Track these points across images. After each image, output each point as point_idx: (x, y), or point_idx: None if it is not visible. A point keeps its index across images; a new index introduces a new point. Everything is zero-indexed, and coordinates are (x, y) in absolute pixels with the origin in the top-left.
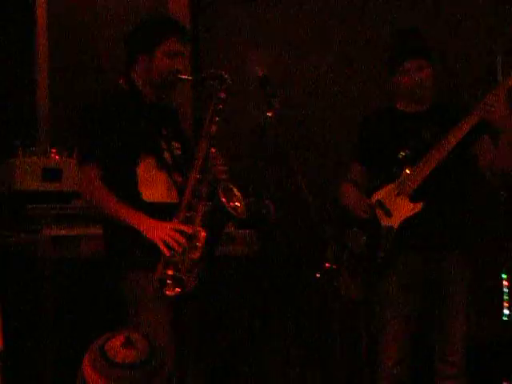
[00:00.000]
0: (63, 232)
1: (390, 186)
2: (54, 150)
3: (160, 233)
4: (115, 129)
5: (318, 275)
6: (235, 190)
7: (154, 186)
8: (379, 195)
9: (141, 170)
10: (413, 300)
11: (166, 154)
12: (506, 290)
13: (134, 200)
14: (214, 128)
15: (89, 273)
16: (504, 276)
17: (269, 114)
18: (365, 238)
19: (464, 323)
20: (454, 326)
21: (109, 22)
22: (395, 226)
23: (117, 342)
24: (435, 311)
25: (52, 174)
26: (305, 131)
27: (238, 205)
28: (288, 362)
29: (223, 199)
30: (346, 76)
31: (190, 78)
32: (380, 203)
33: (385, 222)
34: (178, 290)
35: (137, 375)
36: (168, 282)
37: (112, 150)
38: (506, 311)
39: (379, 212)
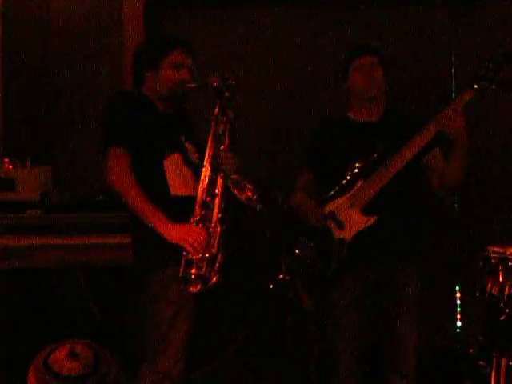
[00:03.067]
0: (17, 242)
1: (343, 199)
2: (6, 160)
3: (180, 234)
4: (141, 121)
5: (271, 286)
6: (246, 182)
7: (180, 181)
8: (331, 207)
9: (167, 164)
10: (365, 312)
11: (190, 154)
12: (458, 302)
13: (163, 194)
14: (221, 126)
15: (41, 283)
16: (457, 288)
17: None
18: (316, 249)
19: (415, 335)
20: (404, 338)
21: (63, 28)
22: (348, 238)
23: (61, 354)
24: (386, 322)
25: (5, 184)
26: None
27: (250, 195)
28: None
29: (235, 191)
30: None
31: (195, 85)
32: (332, 215)
33: (337, 234)
34: (200, 286)
35: None
36: (192, 278)
37: (140, 140)
38: (459, 323)
39: (332, 224)
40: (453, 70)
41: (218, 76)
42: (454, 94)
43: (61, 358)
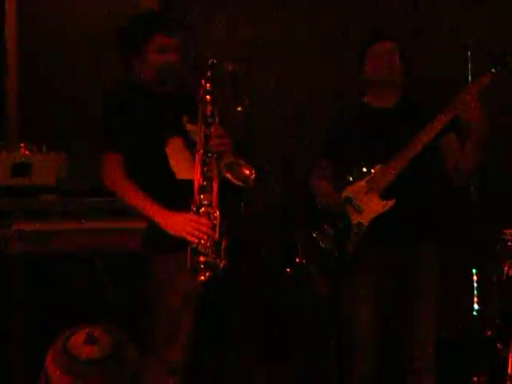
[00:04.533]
0: (33, 227)
1: (361, 183)
2: (22, 145)
3: (180, 225)
4: (136, 113)
5: (288, 270)
6: (241, 160)
7: (184, 165)
8: (349, 191)
9: (170, 150)
10: (382, 296)
11: (193, 136)
12: (476, 285)
13: (169, 179)
14: (208, 107)
15: (57, 268)
16: (474, 271)
17: (239, 109)
18: (334, 233)
19: (432, 318)
20: (422, 321)
21: (80, 17)
22: (366, 222)
23: (79, 338)
24: (404, 306)
25: (21, 168)
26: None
27: (248, 173)
28: (256, 358)
29: (227, 175)
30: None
31: (183, 67)
32: (350, 200)
33: (355, 218)
34: (209, 273)
35: (100, 371)
36: (200, 267)
37: (137, 133)
38: (476, 306)
39: (349, 209)
40: (469, 54)
41: (233, 62)
42: (469, 79)
43: (79, 342)
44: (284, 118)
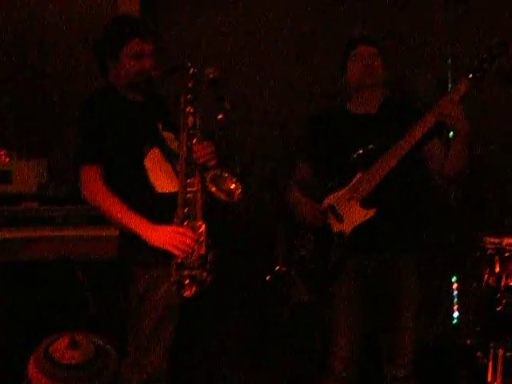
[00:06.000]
0: (14, 234)
1: (342, 191)
2: (2, 152)
3: (165, 238)
4: (114, 124)
5: (268, 278)
6: (227, 173)
7: (164, 177)
8: (330, 199)
9: (148, 162)
10: (363, 303)
11: (169, 144)
12: (455, 292)
13: (149, 193)
14: (190, 118)
15: (38, 276)
16: (454, 279)
17: (219, 117)
18: (315, 241)
19: (413, 326)
20: (402, 328)
21: (58, 26)
22: (347, 231)
23: (62, 343)
24: (385, 314)
25: (1, 176)
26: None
27: (233, 187)
28: (236, 364)
29: (212, 188)
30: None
31: (157, 73)
32: (332, 208)
33: (336, 227)
34: (195, 288)
35: (82, 375)
36: (185, 282)
37: (115, 145)
38: (456, 314)
39: (331, 217)
40: (449, 61)
41: (215, 67)
42: (449, 85)
43: (62, 347)
44: (263, 121)
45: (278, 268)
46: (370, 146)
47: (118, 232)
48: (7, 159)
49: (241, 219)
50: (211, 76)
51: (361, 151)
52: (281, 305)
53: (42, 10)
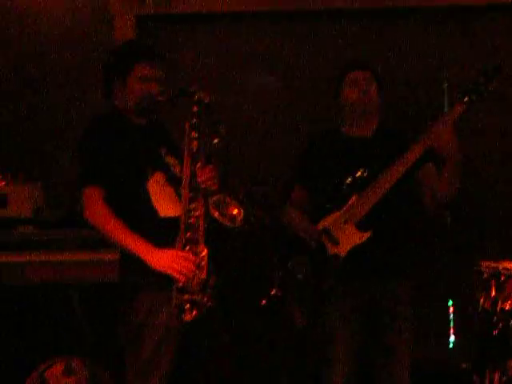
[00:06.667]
0: (10, 259)
1: (337, 214)
2: None
3: (167, 262)
4: (117, 147)
5: (263, 302)
6: (229, 198)
7: (167, 201)
8: (326, 223)
9: (151, 186)
10: (359, 328)
11: (172, 169)
12: (451, 317)
13: (151, 217)
14: (194, 143)
15: (34, 300)
16: (450, 303)
17: (215, 141)
18: (310, 265)
19: (408, 351)
20: (398, 353)
21: (51, 44)
22: (342, 254)
23: (57, 369)
24: (380, 338)
25: None
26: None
27: (235, 212)
28: None
29: (215, 213)
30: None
31: (164, 98)
32: (327, 231)
33: (332, 250)
34: (195, 312)
35: None
36: (185, 307)
37: (118, 167)
38: (452, 338)
39: (326, 240)
40: (445, 85)
41: (210, 92)
42: (445, 109)
43: (57, 373)
44: (258, 144)
45: (273, 292)
46: (359, 174)
47: (113, 256)
48: (3, 183)
49: (236, 243)
50: (206, 100)
51: (349, 180)
52: (276, 329)
53: (37, 38)
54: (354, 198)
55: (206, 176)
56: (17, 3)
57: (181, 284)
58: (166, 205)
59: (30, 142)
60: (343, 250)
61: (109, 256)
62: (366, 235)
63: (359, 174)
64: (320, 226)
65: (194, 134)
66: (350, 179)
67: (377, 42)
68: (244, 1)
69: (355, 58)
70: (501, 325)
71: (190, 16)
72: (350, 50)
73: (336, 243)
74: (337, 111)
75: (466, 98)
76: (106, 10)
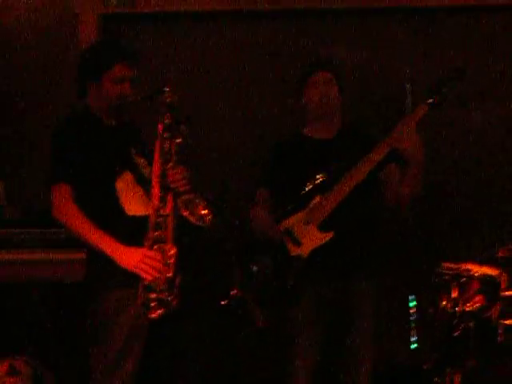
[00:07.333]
0: None
1: (299, 215)
2: None
3: (134, 261)
4: (86, 146)
5: (223, 302)
6: (199, 199)
7: (135, 200)
8: (288, 223)
9: (119, 185)
10: (321, 328)
11: (141, 169)
12: (413, 317)
13: (118, 215)
14: (167, 143)
15: None
16: (411, 304)
17: (178, 141)
18: (272, 266)
19: (369, 351)
20: (360, 353)
21: (16, 42)
22: (304, 254)
23: (1, 369)
24: (342, 338)
25: None
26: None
27: (205, 212)
28: None
29: (184, 213)
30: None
31: (137, 98)
32: (289, 232)
33: (294, 250)
34: (161, 311)
35: None
36: (151, 304)
37: (87, 166)
38: (414, 339)
39: (288, 240)
40: (408, 85)
41: (171, 91)
42: (406, 110)
43: (1, 373)
44: (220, 146)
45: (233, 293)
46: (319, 179)
47: (76, 255)
48: None
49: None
50: (168, 100)
51: (309, 186)
52: (236, 330)
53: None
54: (316, 198)
55: (176, 176)
56: None
57: (147, 282)
58: (134, 204)
59: None
60: (305, 250)
61: (68, 255)
62: (328, 236)
63: (319, 179)
64: (282, 226)
65: (166, 134)
66: (309, 185)
67: (340, 39)
68: (206, 0)
69: (317, 58)
70: (462, 326)
71: (154, 15)
72: (314, 46)
73: (298, 244)
74: (299, 113)
75: (430, 100)
76: (69, 8)
